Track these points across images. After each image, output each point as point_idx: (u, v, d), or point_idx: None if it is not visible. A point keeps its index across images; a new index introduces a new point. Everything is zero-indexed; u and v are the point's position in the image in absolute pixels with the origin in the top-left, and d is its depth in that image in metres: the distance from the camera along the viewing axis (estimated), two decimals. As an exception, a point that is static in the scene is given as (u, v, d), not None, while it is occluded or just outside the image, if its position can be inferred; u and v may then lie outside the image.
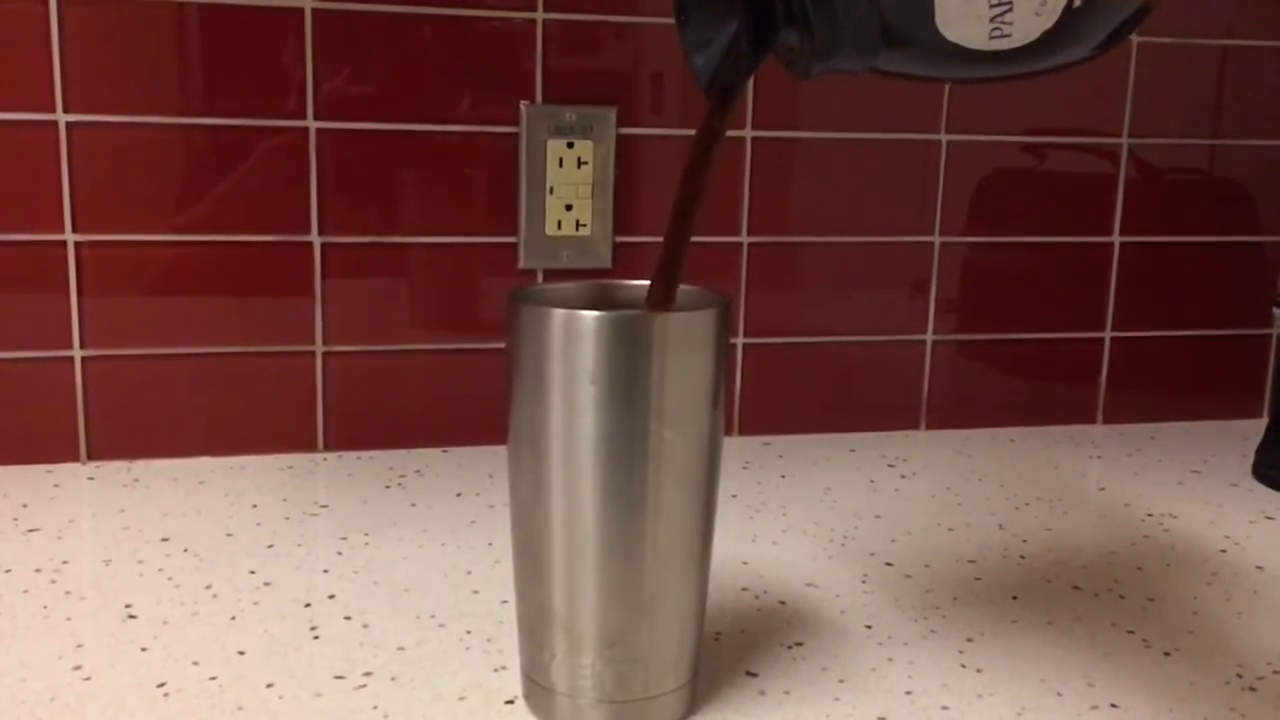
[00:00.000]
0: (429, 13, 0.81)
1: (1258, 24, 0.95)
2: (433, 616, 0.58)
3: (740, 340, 0.91)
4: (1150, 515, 0.77)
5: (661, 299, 0.48)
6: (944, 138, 0.91)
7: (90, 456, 0.81)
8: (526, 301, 0.46)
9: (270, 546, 0.67)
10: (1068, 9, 0.39)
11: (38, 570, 0.63)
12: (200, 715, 0.49)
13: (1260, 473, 0.85)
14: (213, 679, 0.52)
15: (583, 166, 0.85)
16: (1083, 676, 0.54)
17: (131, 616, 0.58)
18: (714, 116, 0.46)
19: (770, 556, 0.68)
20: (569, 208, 0.85)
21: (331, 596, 0.61)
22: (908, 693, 0.52)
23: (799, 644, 0.57)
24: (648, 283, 0.50)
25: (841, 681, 0.53)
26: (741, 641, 0.57)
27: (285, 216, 0.82)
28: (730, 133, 0.87)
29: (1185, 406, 1.01)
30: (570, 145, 0.84)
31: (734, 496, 0.78)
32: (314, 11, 0.79)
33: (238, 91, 0.79)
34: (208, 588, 0.61)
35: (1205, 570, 0.68)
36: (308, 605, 0.59)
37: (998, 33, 0.40)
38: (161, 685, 0.51)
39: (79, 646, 0.54)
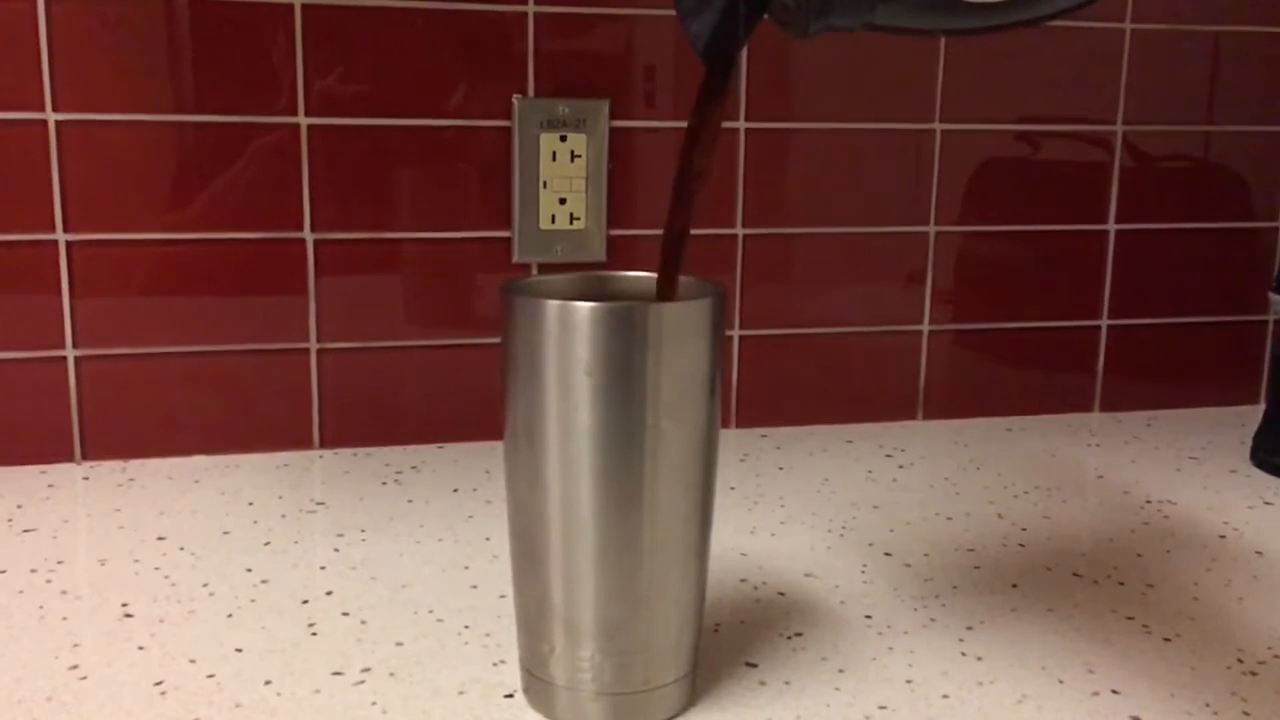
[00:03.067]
0: (420, 6, 0.81)
1: (1251, 10, 0.95)
2: (431, 612, 0.58)
3: (736, 332, 0.91)
4: (1149, 502, 0.77)
5: (667, 287, 0.48)
6: (938, 127, 0.91)
7: (85, 457, 0.81)
8: (521, 293, 0.46)
9: (267, 544, 0.67)
10: None
11: (33, 570, 0.63)
12: (198, 713, 0.48)
13: (1258, 458, 0.85)
14: (210, 677, 0.51)
15: (576, 160, 0.84)
16: (1083, 663, 0.54)
17: (128, 615, 0.57)
18: (711, 84, 0.46)
19: (769, 548, 0.68)
20: (563, 201, 0.85)
21: (329, 593, 0.60)
22: (908, 682, 0.52)
23: (798, 634, 0.56)
24: (643, 274, 0.50)
25: (841, 671, 0.53)
26: (741, 632, 0.57)
27: (277, 213, 0.81)
28: (724, 123, 0.87)
29: (1182, 393, 1.00)
30: (563, 139, 0.84)
31: (732, 488, 0.78)
32: (304, 7, 0.79)
33: (228, 88, 0.79)
34: (204, 586, 0.61)
35: (1204, 556, 0.68)
36: (305, 602, 0.59)
37: None
38: (159, 684, 0.51)
39: (75, 646, 0.54)
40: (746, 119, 0.88)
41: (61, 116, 0.77)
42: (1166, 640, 0.57)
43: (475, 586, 0.61)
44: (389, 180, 0.83)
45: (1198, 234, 0.98)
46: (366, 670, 0.52)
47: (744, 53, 0.86)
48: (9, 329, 0.79)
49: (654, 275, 0.49)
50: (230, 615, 0.58)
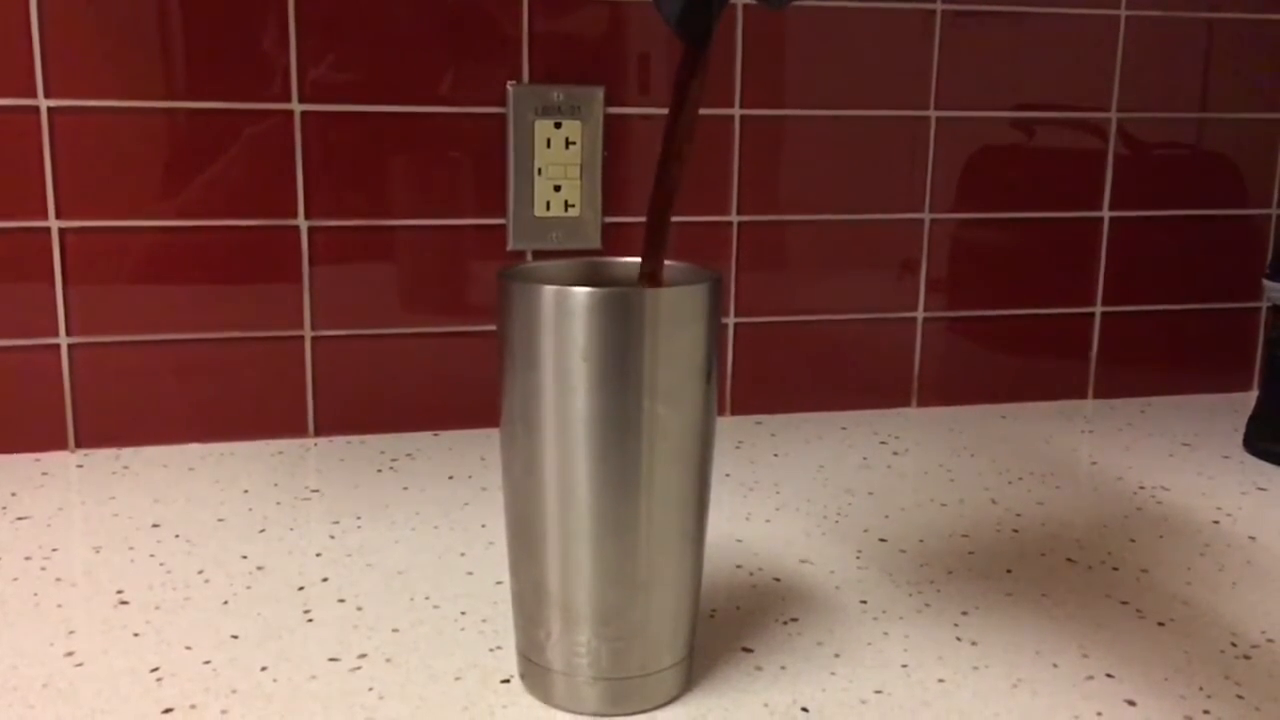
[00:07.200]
0: (413, -7, 0.81)
1: (1245, -4, 0.95)
2: (427, 598, 0.58)
3: (731, 320, 0.91)
4: (1142, 488, 0.77)
5: (650, 270, 0.47)
6: (933, 114, 0.91)
7: (79, 444, 0.81)
8: (517, 279, 0.46)
9: (262, 531, 0.67)
10: None
11: (27, 558, 0.63)
12: (194, 699, 0.48)
13: (1251, 445, 0.85)
14: (206, 663, 0.51)
15: (571, 147, 0.84)
16: (1078, 648, 0.54)
17: (123, 602, 0.57)
18: (687, 62, 0.45)
19: (764, 534, 0.68)
20: (557, 188, 0.85)
21: (325, 580, 0.60)
22: (903, 666, 0.52)
23: (794, 620, 0.57)
24: (638, 260, 0.50)
25: (837, 656, 0.53)
26: (737, 618, 0.57)
27: (271, 201, 0.81)
28: (719, 111, 0.87)
29: (1176, 380, 1.01)
30: (558, 125, 0.84)
31: (727, 475, 0.78)
32: (297, -7, 0.79)
33: (221, 75, 0.79)
34: (200, 572, 0.61)
35: (1198, 541, 0.68)
36: (301, 589, 0.59)
37: None
38: (155, 670, 0.51)
39: (71, 633, 0.54)
40: (741, 106, 0.87)
41: (54, 103, 0.76)
42: (1160, 625, 0.57)
43: (471, 573, 0.61)
44: (383, 167, 0.82)
45: (1192, 221, 0.98)
46: (363, 656, 0.52)
47: (740, 42, 0.86)
48: (2, 316, 0.78)
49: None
50: (226, 602, 0.58)
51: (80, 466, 0.78)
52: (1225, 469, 0.81)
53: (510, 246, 0.85)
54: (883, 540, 0.67)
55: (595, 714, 0.47)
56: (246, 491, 0.73)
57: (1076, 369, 0.99)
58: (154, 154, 0.79)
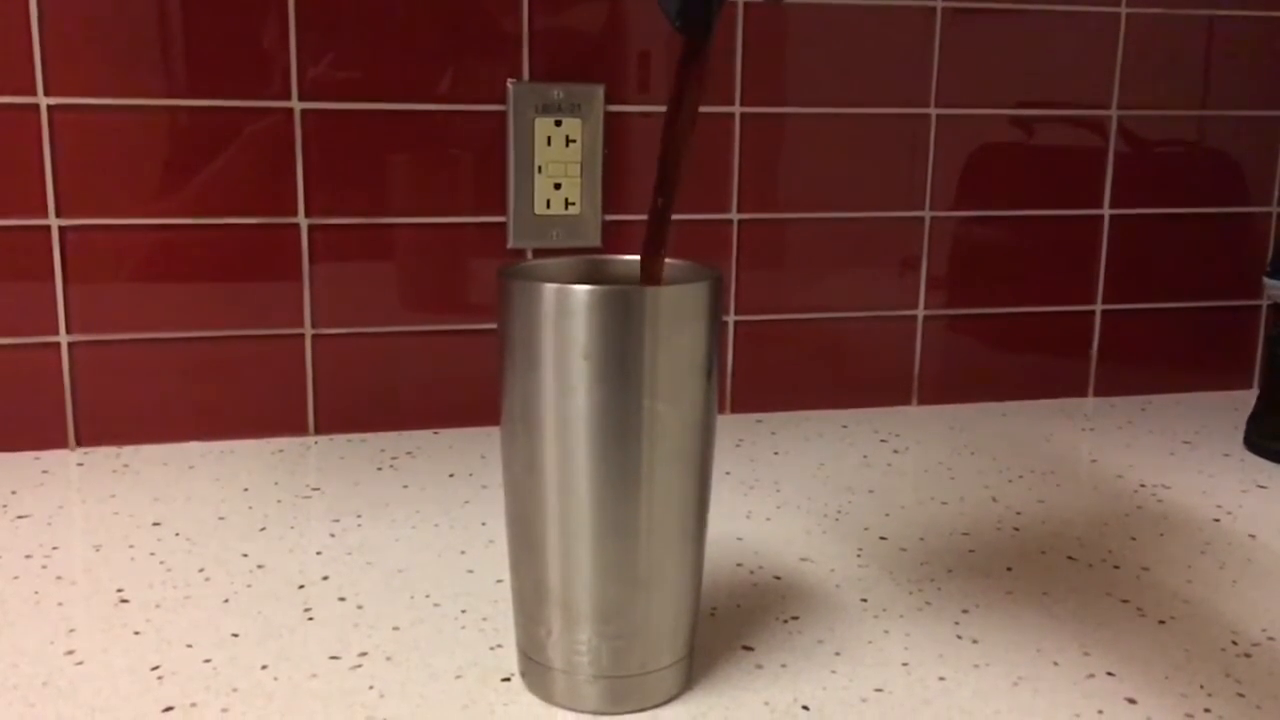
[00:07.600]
0: (413, -10, 0.80)
1: (1246, -6, 0.95)
2: (427, 596, 0.58)
3: (732, 318, 0.91)
4: (1143, 486, 0.77)
5: (651, 268, 0.48)
6: (933, 112, 0.91)
7: (79, 443, 0.81)
8: (517, 277, 0.46)
9: (262, 529, 0.67)
10: None
11: (28, 556, 0.62)
12: (195, 698, 0.48)
13: (1251, 442, 0.85)
14: (207, 661, 0.51)
15: (571, 145, 0.84)
16: (1079, 646, 0.54)
17: (124, 601, 0.57)
18: (688, 57, 0.45)
19: (765, 532, 0.68)
20: (558, 186, 0.84)
21: (325, 578, 0.60)
22: (904, 664, 0.52)
23: (795, 618, 0.56)
24: (638, 258, 0.50)
25: (838, 654, 0.53)
26: (737, 616, 0.57)
27: (271, 199, 0.81)
28: (719, 109, 0.87)
29: (1176, 378, 1.01)
30: (558, 123, 0.84)
31: (727, 473, 0.78)
32: (297, -10, 0.79)
33: (221, 73, 0.79)
34: (200, 571, 0.61)
35: (1199, 539, 0.68)
36: (301, 587, 0.59)
37: None
38: (155, 668, 0.51)
39: (71, 631, 0.54)
40: (742, 104, 0.87)
41: (54, 101, 0.76)
42: (1161, 623, 0.57)
43: (471, 571, 0.61)
44: (383, 165, 0.82)
45: (1192, 219, 0.98)
46: (363, 655, 0.52)
47: (740, 39, 0.86)
48: (2, 315, 0.78)
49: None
50: (226, 600, 0.58)
51: (80, 465, 0.78)
52: (1226, 467, 0.81)
53: (510, 244, 0.85)
54: (883, 538, 0.67)
55: (595, 712, 0.47)
56: (247, 490, 0.73)
57: (1077, 367, 0.99)
58: (154, 152, 0.79)
